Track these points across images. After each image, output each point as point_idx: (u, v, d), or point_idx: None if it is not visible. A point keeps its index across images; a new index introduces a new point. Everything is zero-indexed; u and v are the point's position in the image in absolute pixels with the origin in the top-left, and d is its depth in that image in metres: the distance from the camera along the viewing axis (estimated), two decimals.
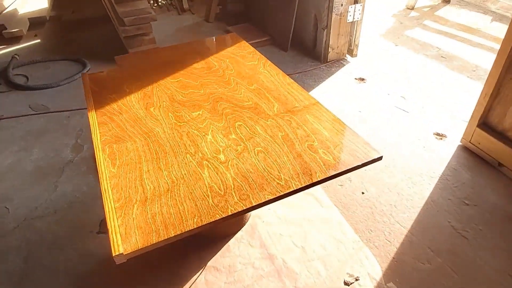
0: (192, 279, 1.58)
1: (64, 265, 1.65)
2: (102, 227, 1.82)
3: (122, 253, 0.88)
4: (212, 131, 1.30)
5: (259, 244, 1.74)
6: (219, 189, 1.06)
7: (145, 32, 3.31)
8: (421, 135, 2.49)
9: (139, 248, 0.90)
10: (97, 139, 1.26)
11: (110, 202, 1.01)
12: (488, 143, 2.20)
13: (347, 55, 3.51)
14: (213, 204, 1.02)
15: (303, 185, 1.07)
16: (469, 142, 2.33)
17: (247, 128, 1.31)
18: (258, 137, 1.27)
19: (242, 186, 1.07)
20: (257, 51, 1.89)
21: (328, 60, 3.40)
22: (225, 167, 1.14)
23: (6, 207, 1.93)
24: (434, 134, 2.51)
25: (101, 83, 1.62)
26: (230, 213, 0.99)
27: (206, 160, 1.17)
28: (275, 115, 1.38)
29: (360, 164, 1.16)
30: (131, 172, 1.13)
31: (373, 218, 1.92)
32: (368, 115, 2.69)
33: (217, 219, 0.97)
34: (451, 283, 1.60)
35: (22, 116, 2.67)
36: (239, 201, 1.02)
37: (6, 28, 3.90)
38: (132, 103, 1.47)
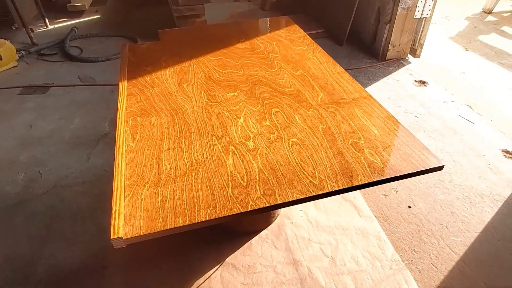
0: (207, 274, 1.47)
1: (82, 237, 1.62)
2: None
3: (121, 237, 0.77)
4: (245, 114, 1.17)
5: (284, 247, 1.58)
6: (241, 179, 0.92)
7: (197, 14, 3.25)
8: (486, 150, 2.17)
9: (142, 234, 0.78)
10: (122, 110, 1.17)
11: (120, 177, 0.92)
12: None
13: (408, 55, 3.20)
14: (232, 195, 0.88)
15: (340, 188, 0.90)
16: None
17: (284, 116, 1.16)
18: (296, 127, 1.11)
19: (268, 179, 0.92)
20: (308, 36, 1.71)
21: (386, 58, 3.12)
22: (253, 156, 1.00)
23: (39, 172, 1.96)
24: (502, 151, 2.18)
25: (139, 54, 1.55)
26: (249, 209, 0.84)
27: (233, 146, 1.03)
28: (318, 105, 1.21)
29: (414, 171, 0.96)
30: (150, 149, 1.02)
31: (418, 237, 1.68)
32: (426, 122, 2.40)
33: (234, 213, 0.83)
34: None
35: (70, 86, 2.72)
36: (262, 196, 0.87)
37: (70, 2, 4.06)
38: (166, 77, 1.38)
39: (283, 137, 1.07)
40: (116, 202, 0.85)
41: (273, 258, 1.55)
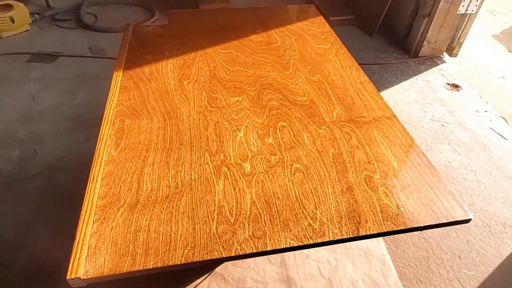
0: (194, 283, 1.38)
1: (68, 226, 1.55)
2: None
3: (79, 277, 0.66)
4: (246, 127, 1.02)
5: (279, 262, 1.48)
6: (229, 213, 0.80)
7: None
8: None
9: (104, 274, 0.68)
10: (110, 108, 1.05)
11: (93, 196, 0.80)
12: None
13: (444, 53, 2.92)
14: (215, 233, 0.75)
15: (344, 237, 0.76)
16: None
17: (291, 133, 1.01)
18: (302, 149, 0.96)
19: (260, 216, 0.79)
20: (333, 31, 1.52)
21: (419, 55, 2.86)
22: (247, 183, 0.86)
23: (35, 150, 1.88)
24: None
25: (142, 38, 1.40)
26: (233, 254, 0.72)
27: (226, 167, 0.90)
28: (332, 122, 1.05)
29: (435, 224, 0.81)
30: (133, 161, 0.90)
31: (427, 265, 1.54)
32: (453, 132, 2.19)
33: (214, 257, 0.71)
34: None
35: (80, 56, 2.61)
36: (250, 239, 0.75)
37: None
38: (166, 70, 1.23)
39: (285, 160, 0.92)
40: (81, 230, 0.74)
41: (266, 273, 1.45)
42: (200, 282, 1.39)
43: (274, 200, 0.83)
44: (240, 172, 0.89)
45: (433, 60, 2.88)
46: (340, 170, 0.91)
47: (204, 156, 0.93)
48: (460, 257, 1.58)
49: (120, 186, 0.84)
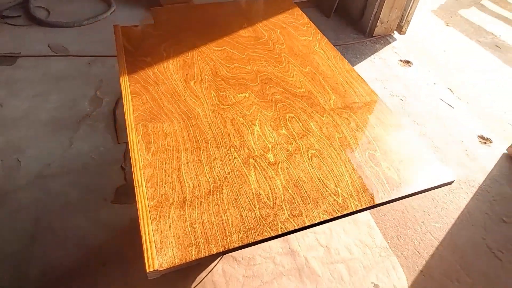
0: (208, 267, 1.50)
1: (74, 232, 1.57)
2: (117, 196, 1.72)
3: (157, 270, 0.76)
4: (260, 121, 1.14)
5: (282, 238, 1.64)
6: (267, 198, 0.92)
7: None
8: (465, 136, 2.30)
9: (176, 264, 0.78)
10: (129, 114, 1.10)
11: (143, 199, 0.88)
12: None
13: (395, 32, 3.20)
14: (260, 217, 0.88)
15: (363, 207, 0.93)
16: None
17: (300, 123, 1.14)
18: (313, 136, 1.10)
19: (293, 198, 0.93)
20: (312, 23, 1.65)
21: (373, 35, 3.10)
22: (275, 171, 0.99)
23: (18, 159, 1.83)
24: (478, 137, 2.32)
25: (135, 40, 1.43)
26: (280, 232, 0.86)
27: (253, 159, 1.02)
28: (331, 110, 1.20)
29: (428, 188, 1.00)
30: (168, 162, 0.98)
31: (404, 224, 1.80)
32: (410, 105, 2.48)
33: (264, 238, 0.84)
34: None
35: (41, 56, 2.48)
36: (290, 218, 0.88)
37: None
38: (170, 72, 1.29)
39: (301, 148, 1.06)
40: (144, 229, 0.82)
41: (272, 249, 1.61)
42: (214, 266, 1.51)
43: (301, 183, 0.97)
44: (265, 162, 1.01)
45: (386, 38, 3.15)
46: (348, 152, 1.07)
47: (230, 151, 1.03)
48: (428, 213, 1.86)
49: (165, 187, 0.92)
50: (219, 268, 1.52)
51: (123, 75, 1.24)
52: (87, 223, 1.61)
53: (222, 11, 1.68)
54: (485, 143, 2.29)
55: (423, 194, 1.94)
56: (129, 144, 1.01)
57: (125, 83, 1.21)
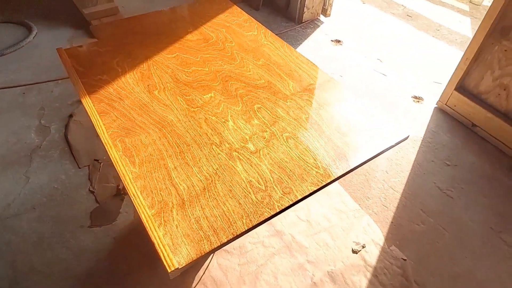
0: (204, 264, 1.55)
1: (59, 267, 1.52)
2: (93, 220, 1.68)
3: (177, 268, 0.81)
4: (231, 116, 1.21)
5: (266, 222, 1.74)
6: (258, 183, 1.00)
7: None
8: (401, 99, 2.57)
9: (193, 259, 0.83)
10: (103, 133, 1.10)
11: (144, 209, 0.91)
12: (464, 105, 2.33)
13: (321, 15, 3.42)
14: (257, 200, 0.96)
15: (343, 173, 1.05)
16: (445, 104, 2.45)
17: (268, 111, 1.23)
18: (282, 120, 1.20)
19: (281, 178, 1.02)
20: (252, 18, 1.74)
21: (302, 21, 3.29)
22: (258, 158, 1.07)
23: None
24: (412, 97, 2.61)
25: (84, 60, 1.40)
26: (278, 210, 0.94)
27: (235, 151, 1.09)
28: (292, 95, 1.31)
29: (389, 146, 1.16)
30: (157, 171, 1.01)
31: (368, 185, 1.99)
32: (350, 80, 2.70)
33: (266, 218, 0.93)
34: (444, 240, 1.74)
35: None
36: (284, 196, 0.98)
37: None
38: (131, 86, 1.30)
39: (276, 133, 1.16)
40: (154, 235, 0.86)
41: (259, 234, 1.70)
42: (209, 262, 1.56)
43: (284, 164, 1.06)
44: (247, 152, 1.09)
45: (314, 22, 3.35)
46: (317, 129, 1.18)
47: (212, 149, 1.09)
48: (387, 171, 2.07)
49: (161, 194, 0.96)
50: (214, 263, 1.57)
51: (84, 97, 1.23)
52: (69, 253, 1.56)
53: (162, 20, 1.70)
54: (418, 101, 2.58)
55: (380, 156, 2.15)
56: (113, 162, 1.02)
57: (89, 104, 1.20)
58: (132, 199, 0.93)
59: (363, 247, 1.67)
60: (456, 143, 2.26)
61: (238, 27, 1.67)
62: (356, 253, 1.65)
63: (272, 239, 1.68)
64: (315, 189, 1.00)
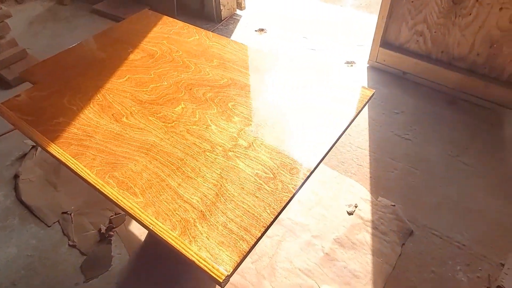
0: None
1: None
2: (87, 273, 1.56)
3: (227, 276, 0.80)
4: (211, 120, 1.20)
5: None
6: (265, 173, 1.02)
7: (1, 35, 2.64)
8: (336, 67, 2.74)
9: (237, 262, 0.83)
10: (88, 175, 1.03)
11: (168, 233, 0.88)
12: (391, 58, 2.57)
13: (237, 9, 3.48)
14: (271, 189, 0.98)
15: (335, 139, 1.11)
16: (376, 62, 2.67)
17: (243, 106, 1.25)
18: (262, 110, 1.23)
19: (284, 161, 1.05)
20: (187, 23, 1.73)
21: (222, 19, 3.32)
22: (254, 150, 1.09)
23: None
24: (345, 63, 2.80)
25: (30, 109, 1.28)
26: (293, 191, 0.97)
27: (230, 151, 1.09)
28: (258, 84, 1.34)
29: (363, 105, 1.25)
30: (162, 193, 0.98)
31: (339, 151, 2.11)
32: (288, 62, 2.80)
33: (286, 201, 0.95)
34: (417, 177, 1.93)
35: None
36: (293, 176, 1.01)
37: None
38: (95, 120, 1.22)
39: (260, 123, 1.18)
40: (190, 253, 0.83)
41: None
42: None
43: (281, 148, 1.09)
44: (242, 148, 1.10)
45: (233, 18, 3.41)
46: (298, 108, 1.23)
47: (207, 155, 1.08)
48: (349, 134, 2.21)
49: (177, 214, 0.93)
50: None
51: (49, 146, 1.13)
52: None
53: (94, 47, 1.61)
54: (351, 65, 2.77)
55: None
56: (112, 199, 0.96)
57: (58, 151, 1.10)
58: (151, 228, 0.89)
59: (356, 206, 1.78)
60: (395, 93, 2.49)
61: (177, 35, 1.64)
62: (352, 214, 1.75)
63: (273, 229, 1.71)
64: (319, 160, 1.05)
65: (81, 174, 1.04)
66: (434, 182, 1.90)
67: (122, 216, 1.77)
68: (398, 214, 1.74)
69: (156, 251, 1.64)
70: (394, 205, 1.78)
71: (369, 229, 1.69)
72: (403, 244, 1.63)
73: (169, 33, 1.67)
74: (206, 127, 1.18)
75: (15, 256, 1.64)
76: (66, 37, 3.25)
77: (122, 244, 1.67)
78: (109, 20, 3.43)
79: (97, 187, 1.00)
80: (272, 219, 0.91)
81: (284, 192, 0.97)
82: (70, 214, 1.79)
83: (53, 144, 1.13)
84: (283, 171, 1.02)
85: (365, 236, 1.66)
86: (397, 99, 2.43)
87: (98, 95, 1.33)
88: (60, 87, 1.38)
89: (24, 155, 2.12)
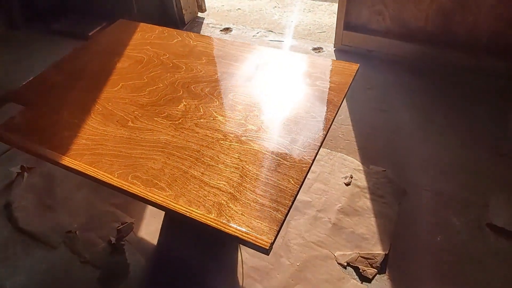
0: (238, 262, 1.59)
1: None
2: (107, 285, 1.56)
3: (271, 243, 0.87)
4: (216, 112, 1.26)
5: None
6: (280, 150, 1.10)
7: None
8: (304, 54, 2.87)
9: (277, 230, 0.90)
10: (112, 180, 1.06)
11: (205, 216, 0.93)
12: (356, 39, 2.73)
13: (198, 12, 3.52)
14: (290, 163, 1.06)
15: (333, 116, 1.21)
16: (342, 44, 2.83)
17: (243, 95, 1.32)
18: (262, 96, 1.30)
19: (294, 137, 1.13)
20: (165, 27, 1.76)
21: (186, 23, 3.35)
22: (264, 132, 1.16)
23: None
24: (312, 50, 2.93)
25: (29, 129, 1.27)
26: (311, 161, 1.06)
27: (243, 136, 1.16)
28: (251, 74, 1.41)
29: (352, 80, 1.36)
30: (189, 184, 1.03)
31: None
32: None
33: (307, 170, 1.03)
34: (397, 142, 2.08)
35: None
36: (305, 149, 1.09)
37: None
38: (101, 129, 1.24)
39: (264, 108, 1.25)
40: (232, 230, 0.90)
41: None
42: (241, 258, 1.60)
43: (288, 126, 1.17)
44: (252, 132, 1.17)
45: (196, 21, 3.45)
46: (290, 91, 1.32)
47: (221, 143, 1.14)
48: None
49: (208, 199, 0.98)
50: (245, 256, 1.61)
51: (61, 159, 1.14)
52: None
53: (79, 62, 1.61)
54: (319, 51, 2.91)
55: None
56: (142, 197, 1.00)
57: (73, 163, 1.12)
58: (188, 215, 0.94)
59: (351, 177, 1.90)
60: (364, 70, 2.65)
61: (160, 40, 1.68)
62: (349, 185, 1.87)
63: None
64: (326, 131, 1.14)
65: (104, 179, 1.06)
66: (415, 144, 2.07)
67: (130, 224, 1.77)
68: (390, 178, 1.88)
69: (170, 253, 1.67)
70: (385, 170, 1.92)
71: (368, 195, 1.81)
72: (399, 203, 1.77)
73: (150, 39, 1.70)
74: (213, 119, 1.23)
75: (26, 283, 1.60)
76: (29, 62, 3.14)
77: (136, 251, 1.68)
78: (70, 38, 3.34)
79: (124, 188, 1.03)
80: (298, 189, 0.99)
81: (301, 163, 1.05)
82: (75, 232, 1.77)
83: (66, 157, 1.14)
84: (296, 146, 1.11)
85: (365, 202, 1.78)
86: (367, 76, 2.59)
87: (97, 106, 1.34)
88: (54, 104, 1.38)
89: (11, 183, 2.05)
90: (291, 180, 1.01)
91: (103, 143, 1.19)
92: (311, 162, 1.06)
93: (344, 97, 1.29)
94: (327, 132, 1.16)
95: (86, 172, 1.09)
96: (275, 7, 3.64)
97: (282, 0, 3.74)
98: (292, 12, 3.52)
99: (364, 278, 1.51)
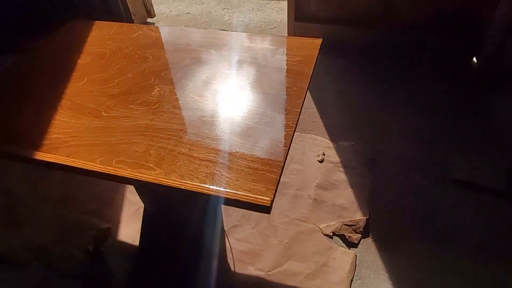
0: (227, 250, 1.57)
1: None
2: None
3: (271, 201, 0.88)
4: (192, 93, 1.25)
5: None
6: (264, 119, 1.12)
7: None
8: None
9: (274, 189, 0.92)
10: (94, 166, 1.01)
11: (201, 187, 0.93)
12: (308, 29, 2.85)
13: (148, 18, 3.47)
14: (276, 129, 1.08)
15: (307, 84, 1.26)
16: (294, 35, 2.93)
17: (218, 75, 1.33)
18: (237, 75, 1.32)
19: (274, 107, 1.16)
20: (125, 23, 1.73)
21: None
22: (245, 105, 1.18)
23: None
24: None
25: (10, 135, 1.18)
26: (295, 122, 1.10)
27: (225, 111, 1.16)
28: (222, 56, 1.43)
29: (317, 52, 1.43)
30: (178, 160, 1.01)
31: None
32: None
33: (292, 134, 1.07)
34: (360, 117, 2.21)
35: None
36: (288, 116, 1.13)
37: None
38: (72, 123, 1.18)
39: (241, 85, 1.27)
40: (231, 195, 0.90)
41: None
42: (229, 245, 1.59)
43: (268, 98, 1.20)
44: (234, 107, 1.18)
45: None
46: (271, 67, 1.35)
47: (204, 120, 1.14)
48: None
49: (201, 170, 0.97)
50: (233, 242, 1.60)
51: (33, 155, 1.06)
52: None
53: (33, 64, 1.53)
54: None
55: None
56: (131, 178, 0.97)
57: (48, 156, 1.05)
58: (183, 188, 0.93)
59: (324, 155, 1.97)
60: (319, 58, 2.77)
61: (120, 35, 1.64)
62: (323, 162, 1.94)
63: None
64: (304, 94, 1.18)
65: (86, 167, 1.01)
66: (377, 117, 2.20)
67: (107, 229, 1.69)
68: (359, 150, 1.98)
69: (154, 251, 1.61)
70: (353, 144, 2.02)
71: (341, 169, 1.89)
72: (371, 172, 1.87)
73: (110, 34, 1.65)
74: (191, 99, 1.23)
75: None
76: None
77: (117, 255, 1.60)
78: (10, 53, 3.12)
79: (110, 173, 0.99)
80: (287, 151, 1.02)
81: (287, 128, 1.08)
82: (47, 246, 1.65)
83: (39, 153, 1.07)
84: (278, 113, 1.14)
85: (340, 175, 1.85)
86: (323, 62, 2.72)
87: (63, 101, 1.28)
88: (15, 104, 1.29)
89: None
90: (279, 144, 1.03)
91: (77, 135, 1.13)
92: (294, 126, 1.09)
93: (314, 68, 1.34)
94: (304, 100, 1.20)
95: (64, 163, 1.03)
96: (224, 8, 3.70)
97: (229, 1, 3.81)
98: (241, 12, 3.60)
99: (350, 244, 1.57)
